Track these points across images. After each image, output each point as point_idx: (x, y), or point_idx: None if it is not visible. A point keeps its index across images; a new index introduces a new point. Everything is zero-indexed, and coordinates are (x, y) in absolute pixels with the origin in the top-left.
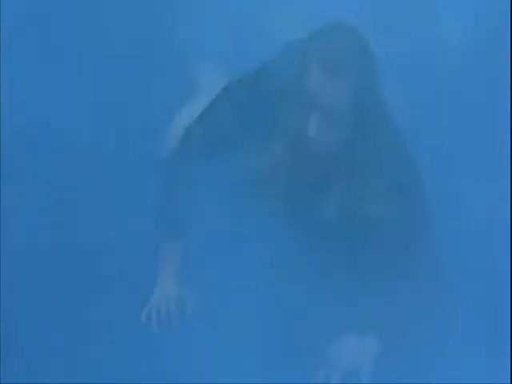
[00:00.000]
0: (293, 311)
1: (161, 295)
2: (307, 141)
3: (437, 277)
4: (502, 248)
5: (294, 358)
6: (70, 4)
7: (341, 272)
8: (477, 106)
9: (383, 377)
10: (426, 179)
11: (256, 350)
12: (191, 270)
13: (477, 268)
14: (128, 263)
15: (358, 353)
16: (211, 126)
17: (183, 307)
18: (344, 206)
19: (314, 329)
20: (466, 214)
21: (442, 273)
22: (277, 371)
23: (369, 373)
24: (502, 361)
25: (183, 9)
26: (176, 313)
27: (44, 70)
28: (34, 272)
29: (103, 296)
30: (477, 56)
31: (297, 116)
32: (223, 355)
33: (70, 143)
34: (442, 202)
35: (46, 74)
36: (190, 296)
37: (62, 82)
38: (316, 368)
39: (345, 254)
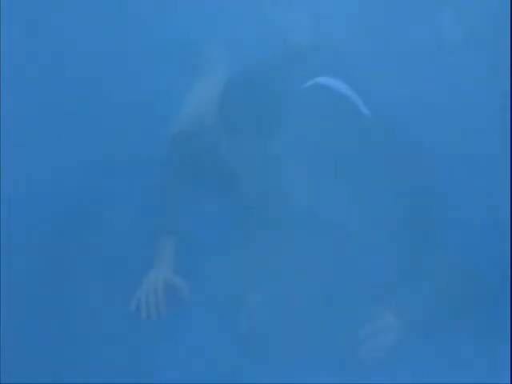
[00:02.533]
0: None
1: (148, 285)
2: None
3: None
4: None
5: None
6: None
7: None
8: (476, 105)
9: None
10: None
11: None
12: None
13: (476, 267)
14: (125, 256)
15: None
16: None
17: (176, 295)
18: None
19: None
20: (465, 216)
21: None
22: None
23: None
24: (502, 360)
25: None
26: (164, 301)
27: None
28: (34, 273)
29: (102, 294)
30: (476, 56)
31: None
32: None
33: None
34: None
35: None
36: (184, 284)
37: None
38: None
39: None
